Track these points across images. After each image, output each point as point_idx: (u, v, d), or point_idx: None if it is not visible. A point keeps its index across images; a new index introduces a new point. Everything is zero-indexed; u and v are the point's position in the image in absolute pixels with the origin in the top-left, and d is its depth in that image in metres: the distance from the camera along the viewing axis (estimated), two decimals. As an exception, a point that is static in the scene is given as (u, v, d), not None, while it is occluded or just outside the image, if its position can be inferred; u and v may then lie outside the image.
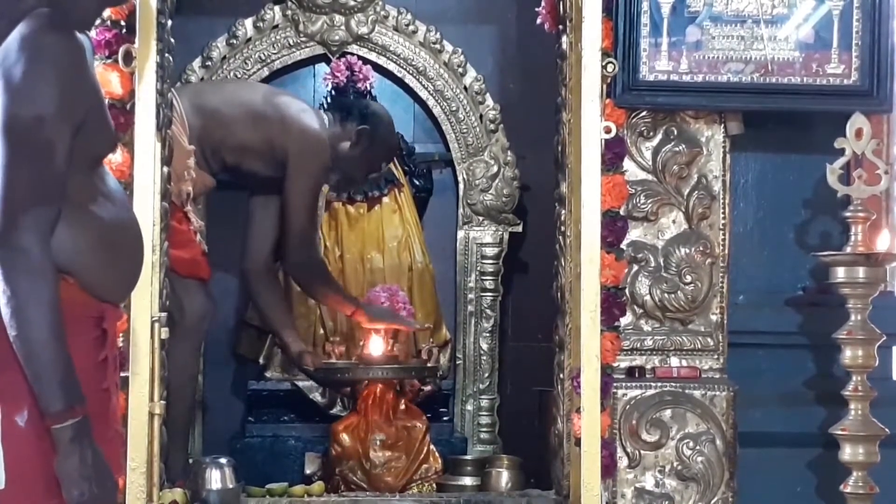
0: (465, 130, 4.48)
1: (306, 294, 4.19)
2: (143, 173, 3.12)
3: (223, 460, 3.60)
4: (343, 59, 4.44)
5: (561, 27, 3.59)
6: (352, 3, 4.45)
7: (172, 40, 3.39)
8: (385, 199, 4.46)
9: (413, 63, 4.48)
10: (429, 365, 4.14)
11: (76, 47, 2.04)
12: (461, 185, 4.50)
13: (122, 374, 3.10)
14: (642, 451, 3.64)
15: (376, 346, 4.04)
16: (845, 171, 3.76)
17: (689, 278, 3.71)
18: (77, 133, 2.02)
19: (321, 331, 4.36)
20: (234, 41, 4.39)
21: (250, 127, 3.85)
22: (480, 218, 4.49)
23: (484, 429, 4.43)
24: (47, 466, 1.97)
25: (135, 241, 2.22)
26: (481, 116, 4.49)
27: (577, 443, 3.30)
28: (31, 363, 1.94)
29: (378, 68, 4.49)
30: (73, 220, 2.04)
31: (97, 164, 2.16)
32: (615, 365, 3.53)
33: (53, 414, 1.95)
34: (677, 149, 3.73)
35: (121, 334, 3.11)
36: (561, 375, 3.56)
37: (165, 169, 3.31)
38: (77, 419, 1.96)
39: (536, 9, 3.81)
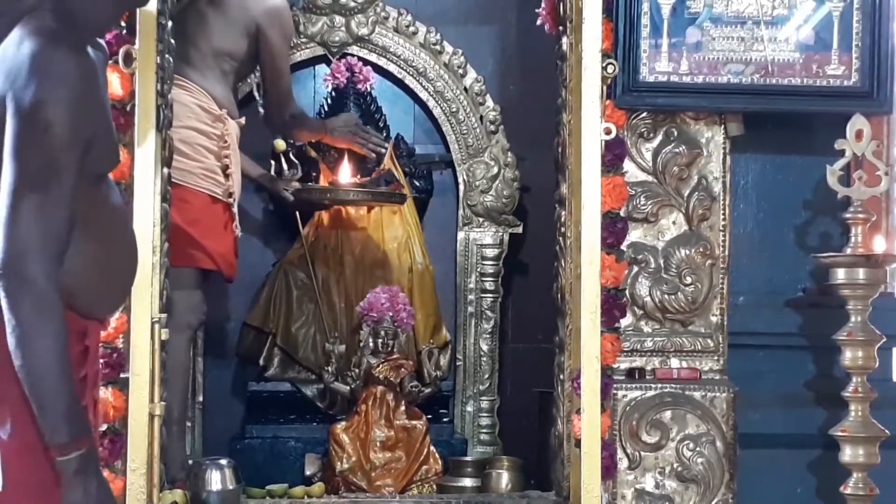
0: (465, 131, 4.48)
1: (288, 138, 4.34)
2: (143, 174, 3.12)
3: (223, 461, 3.60)
4: (343, 60, 4.45)
5: (561, 28, 3.59)
6: (352, 4, 4.45)
7: (172, 41, 3.39)
8: (385, 201, 4.47)
9: (413, 64, 4.48)
10: (398, 192, 4.35)
11: (87, 67, 2.01)
12: (461, 187, 4.49)
13: (123, 375, 3.12)
14: (642, 453, 3.64)
15: (345, 173, 4.35)
16: (845, 172, 3.76)
17: (689, 279, 3.71)
18: (85, 154, 1.99)
19: (320, 330, 4.35)
20: (235, 42, 4.39)
21: (234, 34, 3.91)
22: (481, 219, 4.48)
23: (484, 430, 4.43)
24: (35, 480, 1.96)
25: (129, 256, 2.19)
26: (481, 117, 4.49)
27: (578, 444, 3.31)
28: (36, 394, 1.91)
29: (378, 69, 4.49)
30: (72, 241, 2.01)
31: (102, 180, 2.13)
32: (615, 366, 3.53)
33: (58, 445, 1.92)
34: (677, 150, 3.72)
35: (121, 335, 3.13)
36: (561, 377, 3.56)
37: (165, 170, 3.31)
38: (82, 451, 1.93)
39: (537, 10, 3.81)
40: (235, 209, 3.84)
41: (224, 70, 3.86)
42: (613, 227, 3.49)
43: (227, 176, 3.79)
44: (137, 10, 3.07)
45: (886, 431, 3.66)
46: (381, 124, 4.51)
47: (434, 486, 3.99)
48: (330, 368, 4.14)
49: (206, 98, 3.78)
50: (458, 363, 4.47)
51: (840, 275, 3.66)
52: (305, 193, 4.28)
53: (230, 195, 3.81)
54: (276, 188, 4.28)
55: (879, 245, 3.70)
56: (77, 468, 1.93)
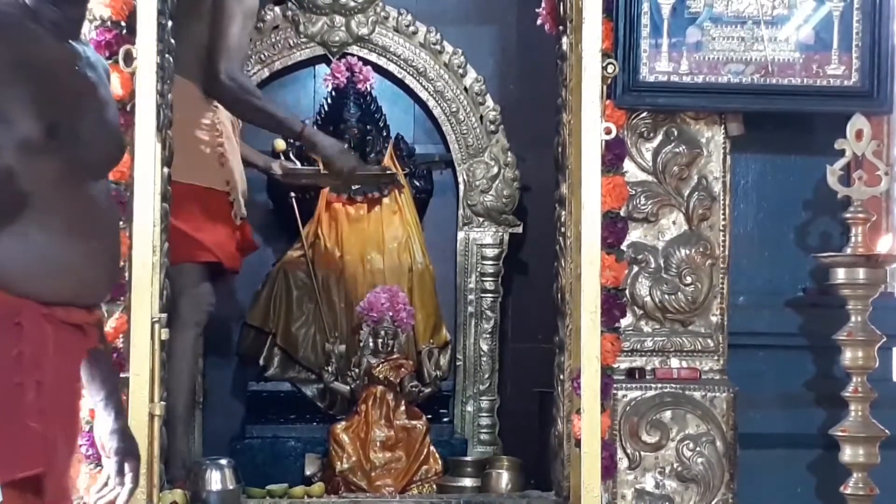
0: (465, 131, 4.48)
1: (241, 118, 3.89)
2: (143, 174, 3.11)
3: (223, 461, 3.59)
4: (343, 60, 4.45)
5: (561, 28, 3.59)
6: (352, 3, 4.45)
7: (173, 41, 3.39)
8: (385, 200, 4.46)
9: (413, 64, 4.48)
10: (388, 171, 4.30)
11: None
12: (461, 186, 4.50)
13: (123, 375, 3.12)
14: (642, 453, 3.64)
15: None
16: (845, 172, 3.76)
17: (689, 279, 3.71)
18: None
19: (320, 330, 4.35)
20: (235, 42, 4.38)
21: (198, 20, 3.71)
22: (481, 219, 4.48)
23: (484, 430, 4.43)
24: None
25: (99, 256, 2.17)
26: (481, 117, 4.49)
27: (578, 444, 3.30)
28: None
29: (378, 69, 4.49)
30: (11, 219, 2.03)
31: (81, 173, 2.12)
32: (615, 366, 3.53)
33: None
34: (677, 150, 3.72)
35: (120, 335, 3.13)
36: (561, 376, 3.56)
37: (166, 170, 3.31)
38: None
39: (537, 10, 3.81)
40: (239, 198, 3.80)
41: (201, 58, 3.76)
42: (613, 227, 3.49)
43: (222, 164, 3.76)
44: (137, 10, 3.07)
45: (886, 431, 3.66)
46: (381, 124, 4.51)
47: (434, 486, 3.99)
48: (330, 368, 4.15)
49: (191, 88, 3.71)
50: (458, 363, 4.47)
51: (840, 275, 3.66)
52: (302, 178, 4.22)
53: (227, 183, 3.77)
54: (272, 172, 4.23)
55: (884, 245, 3.69)
56: None
